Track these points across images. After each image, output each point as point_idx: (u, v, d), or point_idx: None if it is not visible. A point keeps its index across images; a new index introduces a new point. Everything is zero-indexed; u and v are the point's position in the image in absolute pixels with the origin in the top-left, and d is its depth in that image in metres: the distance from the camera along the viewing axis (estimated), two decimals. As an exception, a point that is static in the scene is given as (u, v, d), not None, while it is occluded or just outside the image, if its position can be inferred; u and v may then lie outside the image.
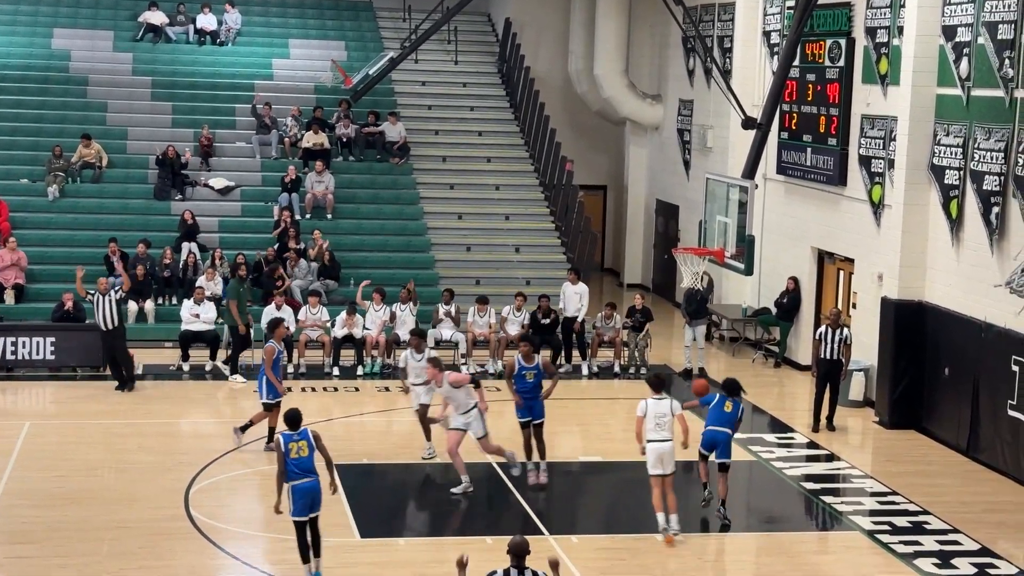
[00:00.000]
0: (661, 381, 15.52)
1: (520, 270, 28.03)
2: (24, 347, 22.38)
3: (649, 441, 15.17)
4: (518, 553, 10.77)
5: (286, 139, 29.67)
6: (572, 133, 33.57)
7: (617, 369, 23.94)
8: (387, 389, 21.96)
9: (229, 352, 22.88)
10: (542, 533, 15.09)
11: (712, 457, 15.96)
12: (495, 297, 24.90)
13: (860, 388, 21.63)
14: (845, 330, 20.48)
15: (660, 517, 15.15)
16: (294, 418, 13.60)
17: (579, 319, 24.01)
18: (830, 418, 20.49)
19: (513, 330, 23.68)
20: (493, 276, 27.66)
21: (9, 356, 22.34)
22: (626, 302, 26.91)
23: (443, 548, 14.50)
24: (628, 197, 33.73)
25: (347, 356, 23.37)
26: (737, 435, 19.74)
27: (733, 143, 26.27)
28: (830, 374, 20.38)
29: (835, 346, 20.31)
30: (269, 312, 23.34)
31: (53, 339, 22.50)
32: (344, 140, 30.03)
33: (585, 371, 23.86)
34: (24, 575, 13.11)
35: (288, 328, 20.50)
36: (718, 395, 16.02)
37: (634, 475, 18.16)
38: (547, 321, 23.83)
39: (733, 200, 21.91)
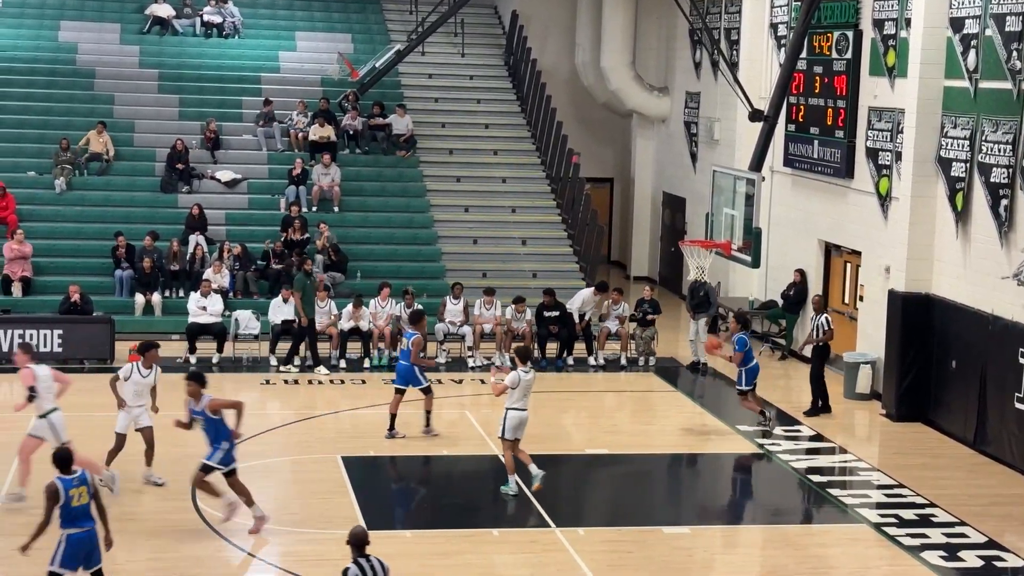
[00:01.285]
0: (529, 353, 16.42)
1: (527, 263, 28.02)
2: (31, 339, 22.40)
3: (513, 409, 15.91)
4: (359, 544, 10.75)
5: (292, 132, 29.67)
6: (579, 126, 33.55)
7: (624, 362, 23.95)
8: (392, 381, 21.94)
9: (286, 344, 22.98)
10: (549, 525, 15.10)
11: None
12: (502, 289, 24.92)
13: (867, 381, 21.62)
14: (823, 315, 21.06)
15: (532, 469, 15.82)
16: (64, 458, 11.72)
17: (586, 318, 24.07)
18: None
19: (518, 325, 23.69)
20: (500, 269, 27.66)
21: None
22: (633, 294, 26.91)
23: (450, 541, 14.52)
24: (635, 190, 33.70)
25: (354, 349, 23.38)
26: (743, 427, 19.86)
27: (740, 135, 26.24)
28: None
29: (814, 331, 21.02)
30: (277, 304, 23.39)
31: (60, 331, 22.56)
32: (350, 133, 30.03)
33: (592, 363, 23.86)
34: (25, 570, 13.10)
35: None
36: (742, 335, 19.22)
37: (641, 468, 18.22)
38: (553, 315, 23.83)
39: (740, 192, 21.88)
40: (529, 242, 28.65)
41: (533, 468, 15.91)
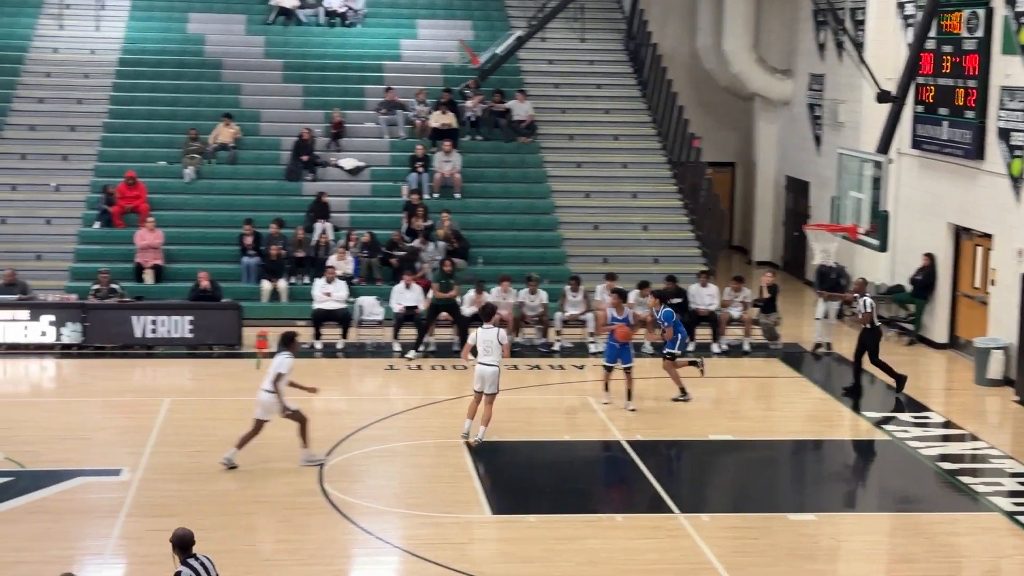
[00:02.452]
0: (492, 311, 17.85)
1: (648, 248, 27.88)
2: (163, 326, 22.94)
3: (479, 363, 17.31)
4: (183, 546, 10.13)
5: (414, 119, 29.90)
6: (700, 110, 33.26)
7: (747, 347, 23.73)
8: (515, 368, 22.03)
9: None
10: (672, 511, 15.04)
11: None
12: (623, 275, 24.83)
13: (999, 367, 21.11)
14: (866, 299, 20.71)
15: (467, 423, 17.37)
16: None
17: (710, 304, 23.91)
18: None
19: (641, 311, 23.59)
20: (621, 254, 27.56)
21: (149, 334, 22.92)
22: (755, 280, 26.63)
23: (574, 526, 14.53)
24: (757, 173, 33.33)
25: (476, 334, 23.47)
26: (868, 413, 19.56)
27: (866, 117, 25.78)
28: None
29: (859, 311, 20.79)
30: (399, 290, 23.62)
31: (191, 318, 23.04)
32: (472, 119, 30.16)
33: (716, 349, 23.67)
34: (165, 548, 13.40)
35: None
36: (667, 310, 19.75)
37: (765, 453, 18.04)
38: (676, 302, 23.67)
39: (866, 175, 21.52)
40: (650, 227, 28.50)
41: (471, 426, 17.30)
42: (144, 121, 29.83)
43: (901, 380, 20.61)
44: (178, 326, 23.03)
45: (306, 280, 25.62)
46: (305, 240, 26.14)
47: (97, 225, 26.74)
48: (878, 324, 21.00)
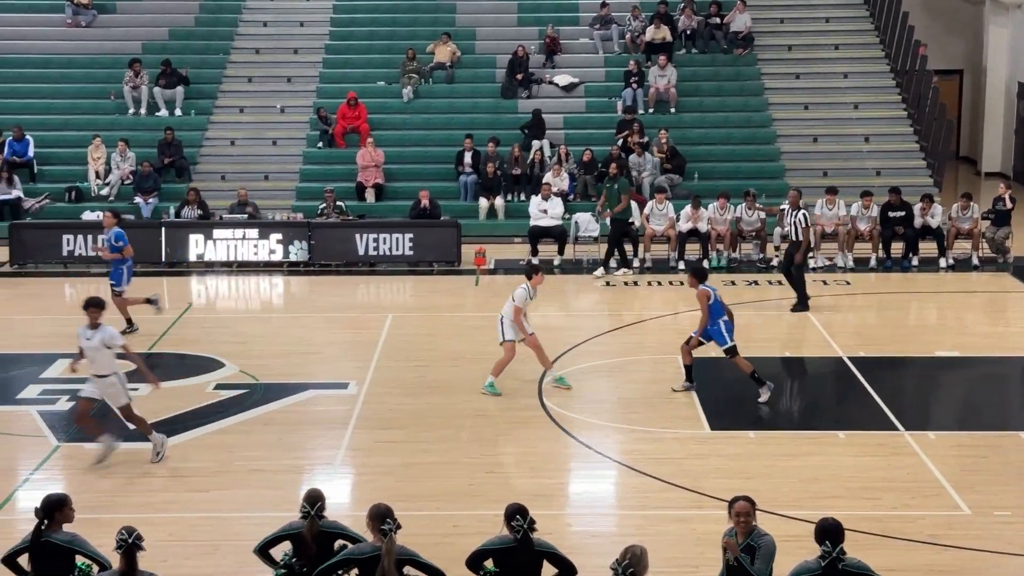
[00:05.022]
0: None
1: (870, 160, 27.13)
2: (385, 243, 23.46)
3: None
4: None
5: (629, 34, 29.62)
6: (925, 15, 32.00)
7: (976, 262, 22.94)
8: (733, 283, 21.81)
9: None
10: (897, 429, 14.73)
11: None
12: (844, 188, 24.24)
13: None
14: (799, 212, 19.93)
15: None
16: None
17: (935, 224, 23.08)
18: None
19: (863, 225, 23.05)
20: (841, 167, 26.90)
21: (371, 252, 23.48)
22: (983, 191, 25.64)
23: (795, 442, 14.37)
24: (987, 80, 31.96)
25: (692, 250, 23.33)
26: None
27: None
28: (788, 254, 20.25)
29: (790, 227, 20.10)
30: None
31: (411, 235, 23.49)
32: (687, 33, 29.70)
33: (942, 264, 22.95)
34: (392, 458, 13.84)
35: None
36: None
37: (994, 371, 17.47)
38: (899, 214, 23.01)
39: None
40: (872, 139, 27.68)
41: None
42: (363, 42, 30.34)
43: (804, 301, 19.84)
44: (399, 244, 23.52)
45: (522, 197, 25.81)
46: (521, 158, 26.29)
47: (320, 145, 27.44)
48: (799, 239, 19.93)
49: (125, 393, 13.60)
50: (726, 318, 15.87)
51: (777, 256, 23.29)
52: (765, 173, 26.63)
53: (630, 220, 23.19)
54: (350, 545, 8.99)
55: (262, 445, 14.24)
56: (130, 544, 8.20)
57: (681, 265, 22.93)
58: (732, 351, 15.80)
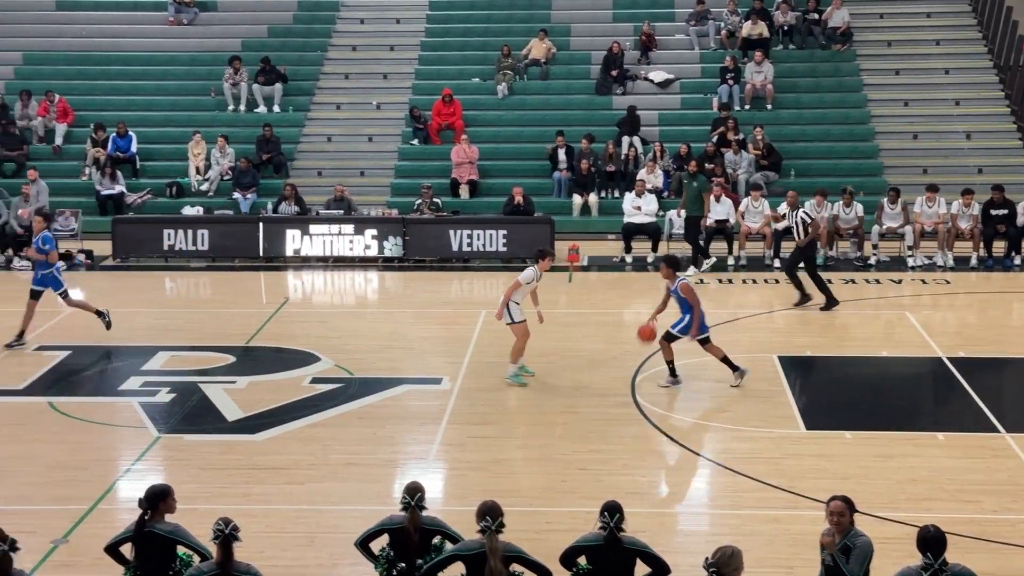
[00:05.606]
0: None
1: (971, 158, 26.69)
2: (479, 239, 23.55)
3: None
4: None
5: (725, 30, 29.42)
6: (1030, 10, 31.38)
7: (1079, 261, 22.49)
8: (830, 281, 21.56)
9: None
10: (997, 431, 14.47)
11: None
12: (944, 186, 23.87)
13: None
14: (799, 212, 20.00)
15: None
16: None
17: None
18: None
19: (964, 223, 22.68)
20: (941, 164, 26.50)
21: (465, 248, 23.58)
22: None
23: (892, 443, 14.17)
24: (1093, 77, 31.24)
25: (788, 247, 23.07)
26: None
27: None
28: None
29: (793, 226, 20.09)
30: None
31: (505, 232, 23.54)
32: (784, 28, 29.42)
33: (1040, 263, 22.55)
34: (485, 454, 13.90)
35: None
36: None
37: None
38: (1001, 212, 22.61)
39: None
40: (974, 136, 27.23)
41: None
42: (459, 39, 30.48)
43: (806, 298, 19.82)
44: (492, 240, 23.59)
45: (616, 194, 25.75)
46: (615, 154, 26.23)
47: (415, 142, 27.61)
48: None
49: None
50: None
51: (875, 255, 23.01)
52: (863, 170, 26.32)
53: (704, 216, 22.94)
54: (448, 544, 9.05)
55: (357, 439, 14.37)
56: (227, 535, 8.32)
57: (776, 263, 22.73)
58: (671, 338, 15.89)
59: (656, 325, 15.95)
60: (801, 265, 20.03)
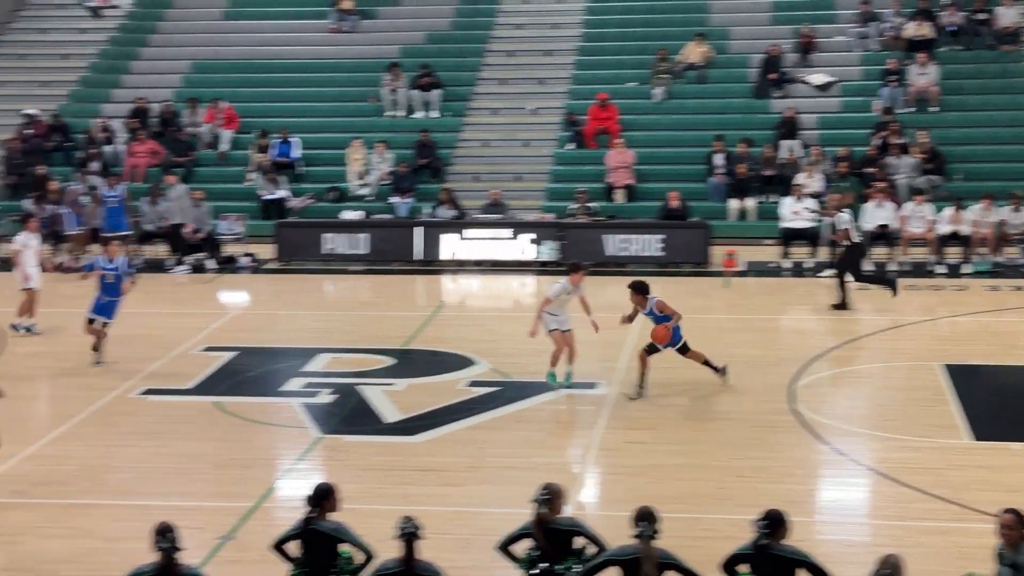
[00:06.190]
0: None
1: None
2: (634, 244, 23.48)
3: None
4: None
5: (888, 31, 28.83)
6: None
7: None
8: (996, 288, 20.99)
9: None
10: None
11: None
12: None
13: None
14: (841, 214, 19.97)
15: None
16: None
17: None
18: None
19: None
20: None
21: (620, 252, 23.55)
22: None
23: (1063, 456, 13.73)
24: None
25: (952, 253, 22.55)
26: None
27: None
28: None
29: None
30: (870, 209, 23.02)
31: (662, 236, 23.43)
32: (951, 29, 28.71)
33: None
34: (641, 459, 13.84)
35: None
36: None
37: None
38: None
39: None
40: None
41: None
42: (616, 43, 30.43)
43: (893, 284, 20.05)
44: (648, 244, 23.50)
45: (774, 198, 25.43)
46: (773, 158, 25.92)
47: (570, 146, 27.66)
48: (859, 240, 20.16)
49: None
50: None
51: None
52: (1034, 175, 25.54)
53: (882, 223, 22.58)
54: (589, 546, 9.06)
55: (513, 442, 14.44)
56: (410, 533, 8.50)
57: (940, 269, 22.20)
58: (653, 350, 15.62)
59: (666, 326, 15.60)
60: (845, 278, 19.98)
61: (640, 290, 15.70)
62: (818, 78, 28.28)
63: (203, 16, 32.62)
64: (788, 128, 26.53)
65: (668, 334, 15.62)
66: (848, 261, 20.02)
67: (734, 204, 25.49)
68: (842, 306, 19.84)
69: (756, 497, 12.17)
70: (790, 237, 23.41)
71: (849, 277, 19.95)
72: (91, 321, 17.25)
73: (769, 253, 23.88)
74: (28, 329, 18.91)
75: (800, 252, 23.35)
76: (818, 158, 25.52)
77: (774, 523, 8.56)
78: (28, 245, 19.20)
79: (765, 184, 25.84)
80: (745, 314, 20.37)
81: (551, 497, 9.13)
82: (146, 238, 24.60)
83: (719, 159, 25.99)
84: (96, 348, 17.24)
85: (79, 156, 27.84)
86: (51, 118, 28.89)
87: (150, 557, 8.49)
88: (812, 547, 9.52)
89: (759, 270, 23.03)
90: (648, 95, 28.70)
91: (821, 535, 11.76)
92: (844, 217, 20.03)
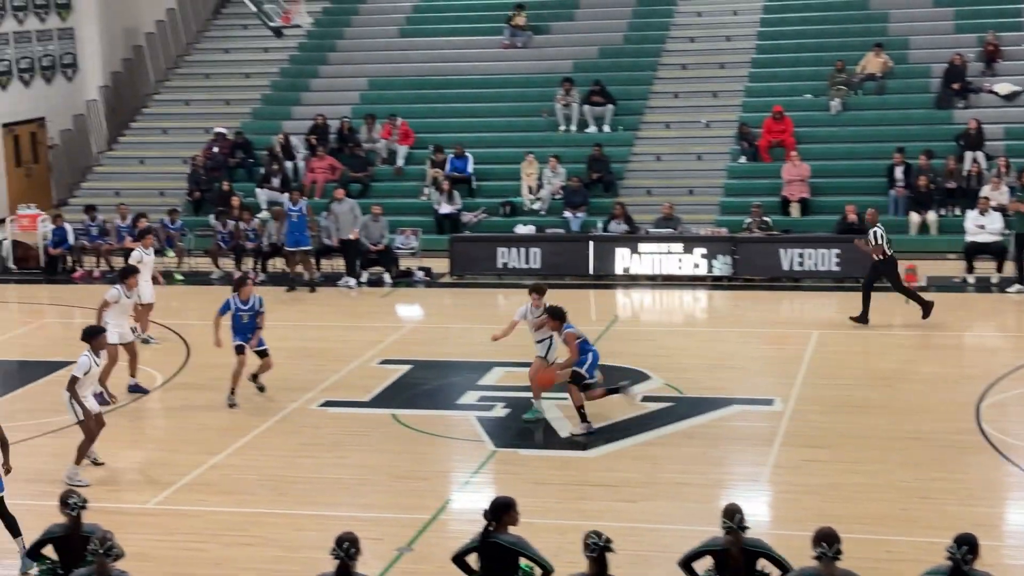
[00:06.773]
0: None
1: None
2: (810, 259, 23.07)
3: None
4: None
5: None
6: None
7: None
8: None
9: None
10: None
11: None
12: None
13: None
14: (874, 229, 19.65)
15: None
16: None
17: None
18: None
19: None
20: None
21: (796, 267, 23.15)
22: None
23: None
24: None
25: None
26: None
27: None
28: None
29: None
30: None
31: (838, 251, 22.96)
32: None
33: None
34: (820, 478, 13.57)
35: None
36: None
37: None
38: None
39: None
40: None
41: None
42: (791, 55, 30.00)
43: (927, 306, 19.49)
44: (825, 259, 23.07)
45: (957, 212, 24.72)
46: (956, 170, 25.20)
47: (744, 160, 27.35)
48: (891, 253, 19.67)
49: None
50: (595, 350, 15.19)
51: None
52: None
53: None
54: (774, 569, 8.89)
55: (687, 458, 14.32)
56: (601, 547, 8.48)
57: None
58: (580, 380, 15.01)
59: (556, 372, 15.22)
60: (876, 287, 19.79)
61: (556, 316, 15.17)
62: (1004, 87, 27.41)
63: (380, 35, 33.20)
64: (972, 139, 25.77)
65: (553, 379, 15.37)
66: (886, 274, 19.84)
67: (915, 217, 24.85)
68: (862, 319, 19.66)
69: (943, 519, 11.85)
70: (974, 251, 22.72)
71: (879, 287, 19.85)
72: (240, 350, 16.65)
73: (952, 268, 23.21)
74: (145, 341, 19.26)
75: (986, 267, 22.63)
76: (1004, 170, 24.73)
77: (973, 548, 8.29)
78: (143, 261, 19.37)
79: (947, 197, 25.13)
80: (928, 330, 19.74)
81: (742, 517, 8.92)
82: (324, 252, 25.05)
83: (899, 172, 25.37)
84: (255, 377, 16.86)
85: (261, 172, 28.58)
86: (234, 135, 29.72)
87: (329, 566, 8.58)
88: (999, 572, 9.21)
89: (941, 286, 22.38)
90: (824, 107, 28.19)
91: (1012, 559, 11.38)
92: (877, 232, 19.66)
